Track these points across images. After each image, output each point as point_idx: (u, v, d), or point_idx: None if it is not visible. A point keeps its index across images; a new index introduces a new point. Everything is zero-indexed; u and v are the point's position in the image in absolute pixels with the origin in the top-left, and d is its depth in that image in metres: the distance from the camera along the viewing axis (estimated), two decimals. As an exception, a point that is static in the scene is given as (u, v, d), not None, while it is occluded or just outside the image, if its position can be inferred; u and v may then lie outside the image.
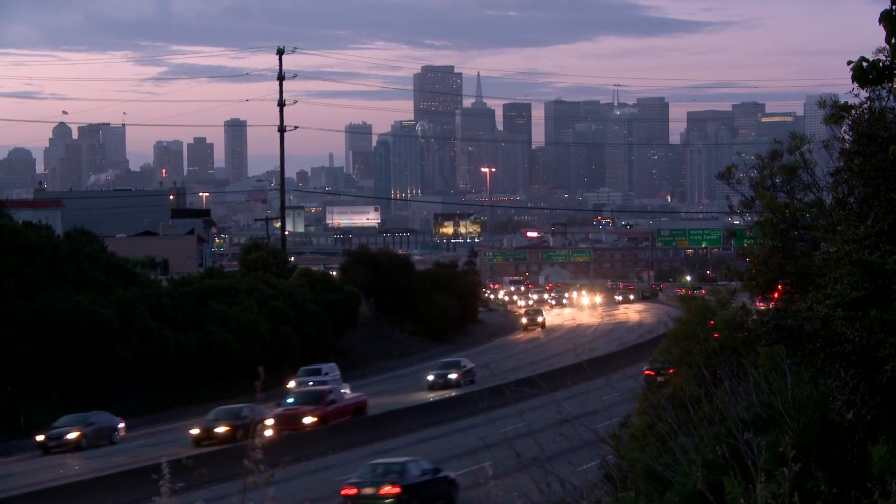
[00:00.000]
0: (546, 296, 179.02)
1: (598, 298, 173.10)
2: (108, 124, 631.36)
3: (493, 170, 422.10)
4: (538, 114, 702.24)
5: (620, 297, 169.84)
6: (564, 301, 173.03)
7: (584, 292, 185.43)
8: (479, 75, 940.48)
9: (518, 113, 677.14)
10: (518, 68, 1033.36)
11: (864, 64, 13.03)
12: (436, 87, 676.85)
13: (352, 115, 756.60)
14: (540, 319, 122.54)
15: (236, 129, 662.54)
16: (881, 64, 13.04)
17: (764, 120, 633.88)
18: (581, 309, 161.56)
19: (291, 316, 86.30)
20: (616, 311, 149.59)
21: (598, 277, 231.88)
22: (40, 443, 56.66)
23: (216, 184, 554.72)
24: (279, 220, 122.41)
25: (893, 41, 12.71)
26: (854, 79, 13.17)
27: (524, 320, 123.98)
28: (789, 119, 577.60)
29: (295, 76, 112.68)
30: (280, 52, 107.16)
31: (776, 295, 25.48)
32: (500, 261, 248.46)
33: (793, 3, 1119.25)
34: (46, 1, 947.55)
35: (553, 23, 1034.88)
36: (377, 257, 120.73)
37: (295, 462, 45.47)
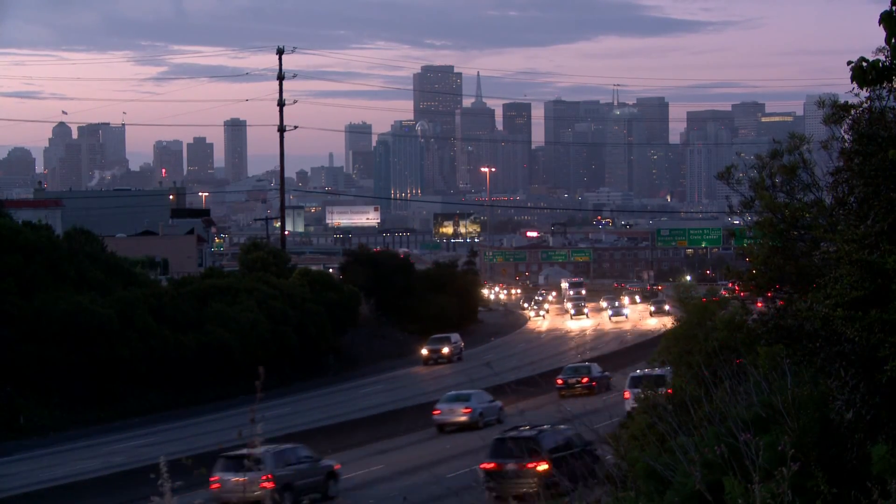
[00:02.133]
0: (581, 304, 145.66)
1: (627, 310, 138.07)
2: (108, 124, 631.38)
3: (493, 170, 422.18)
4: (538, 114, 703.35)
5: (654, 308, 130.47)
6: (586, 311, 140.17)
7: (637, 298, 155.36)
8: (478, 75, 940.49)
9: (518, 113, 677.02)
10: (518, 68, 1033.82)
11: (864, 64, 13.02)
12: (436, 86, 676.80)
13: (352, 115, 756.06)
14: (446, 350, 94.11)
15: (236, 129, 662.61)
16: (880, 64, 13.03)
17: (764, 120, 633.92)
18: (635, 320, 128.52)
19: (291, 316, 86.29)
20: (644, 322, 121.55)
21: (598, 277, 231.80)
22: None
23: (216, 184, 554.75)
24: (279, 219, 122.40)
25: (893, 41, 12.69)
26: (853, 79, 13.15)
27: (424, 351, 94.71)
28: (789, 119, 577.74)
29: (295, 76, 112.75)
30: (280, 52, 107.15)
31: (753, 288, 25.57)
32: (499, 260, 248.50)
33: (793, 3, 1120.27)
34: (58, 1, 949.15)
35: (553, 23, 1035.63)
36: (377, 257, 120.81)
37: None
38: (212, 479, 35.53)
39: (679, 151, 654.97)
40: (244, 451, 29.88)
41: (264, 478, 34.23)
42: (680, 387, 21.84)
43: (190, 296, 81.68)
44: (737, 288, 28.78)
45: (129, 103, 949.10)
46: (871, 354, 13.55)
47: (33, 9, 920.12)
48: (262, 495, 29.90)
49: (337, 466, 41.00)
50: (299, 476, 38.18)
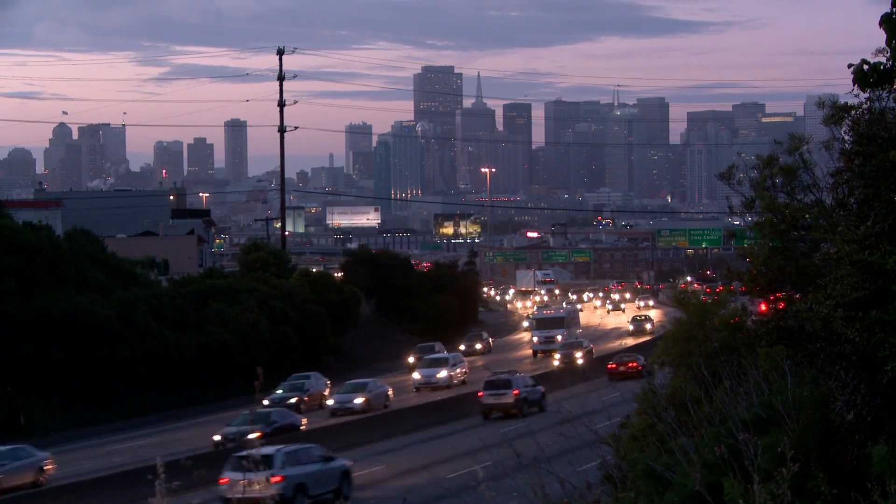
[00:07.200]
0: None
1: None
2: (108, 124, 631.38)
3: (493, 170, 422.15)
4: (538, 114, 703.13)
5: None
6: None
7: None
8: (479, 75, 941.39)
9: (518, 113, 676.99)
10: (519, 68, 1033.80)
11: (865, 67, 12.98)
12: (436, 87, 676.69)
13: (352, 116, 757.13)
14: None
15: (236, 130, 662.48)
16: (882, 67, 13.00)
17: (764, 120, 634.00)
18: None
19: (291, 316, 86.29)
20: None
21: (599, 278, 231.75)
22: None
23: (216, 184, 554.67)
24: (279, 220, 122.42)
25: (894, 43, 12.67)
26: (855, 82, 13.12)
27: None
28: (789, 119, 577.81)
29: (295, 76, 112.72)
30: (280, 53, 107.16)
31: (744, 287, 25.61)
32: (500, 261, 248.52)
33: (794, 3, 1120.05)
34: (95, 2, 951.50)
35: (555, 23, 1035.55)
36: (377, 257, 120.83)
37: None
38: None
39: (679, 152, 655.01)
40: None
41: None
42: (680, 387, 21.83)
43: (190, 296, 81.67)
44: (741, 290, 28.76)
45: (130, 104, 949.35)
46: (872, 355, 13.54)
47: (70, 9, 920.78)
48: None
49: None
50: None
